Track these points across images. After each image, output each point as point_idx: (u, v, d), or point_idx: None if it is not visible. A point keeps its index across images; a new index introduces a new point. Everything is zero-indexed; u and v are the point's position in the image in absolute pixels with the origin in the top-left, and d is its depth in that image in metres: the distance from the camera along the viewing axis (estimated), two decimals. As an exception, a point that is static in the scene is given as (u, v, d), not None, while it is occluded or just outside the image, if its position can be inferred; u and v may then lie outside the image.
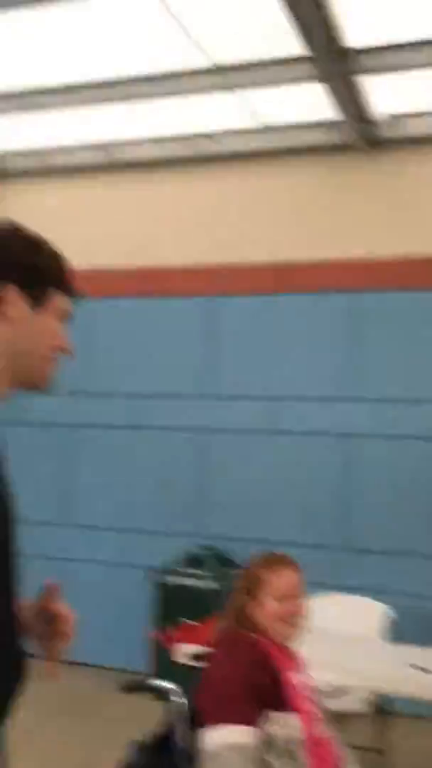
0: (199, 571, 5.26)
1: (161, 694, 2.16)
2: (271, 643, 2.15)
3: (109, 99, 4.98)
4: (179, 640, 3.36)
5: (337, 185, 5.60)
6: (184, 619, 4.83)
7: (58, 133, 5.77)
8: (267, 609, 2.17)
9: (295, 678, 2.11)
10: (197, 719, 2.02)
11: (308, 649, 2.84)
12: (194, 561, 5.38)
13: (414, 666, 3.05)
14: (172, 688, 2.15)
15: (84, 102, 5.05)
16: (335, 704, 3.30)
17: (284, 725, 1.98)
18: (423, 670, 3.01)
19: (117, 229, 6.20)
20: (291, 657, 2.20)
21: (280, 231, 5.74)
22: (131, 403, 6.05)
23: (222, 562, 5.35)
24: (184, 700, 2.11)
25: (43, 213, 6.31)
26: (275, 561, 2.28)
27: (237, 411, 5.75)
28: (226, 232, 5.88)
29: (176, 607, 5.02)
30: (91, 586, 5.78)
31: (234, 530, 5.59)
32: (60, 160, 6.19)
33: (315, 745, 2.01)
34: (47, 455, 6.23)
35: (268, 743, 1.95)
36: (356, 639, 3.82)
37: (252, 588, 2.21)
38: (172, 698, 2.13)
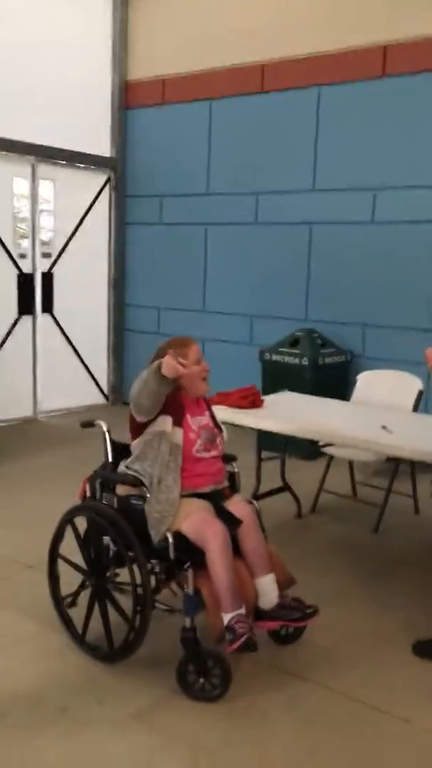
0: (295, 350, 5.77)
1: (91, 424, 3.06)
2: (184, 393, 2.92)
3: None
4: (213, 403, 4.08)
5: None
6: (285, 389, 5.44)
7: None
8: (191, 371, 2.86)
9: (194, 419, 2.91)
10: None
11: (298, 410, 4.10)
12: (294, 342, 5.90)
13: (384, 428, 3.66)
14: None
15: None
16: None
17: (174, 434, 2.83)
18: (386, 430, 3.64)
19: (232, 25, 6.39)
20: (199, 407, 2.98)
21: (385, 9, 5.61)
22: (250, 201, 6.52)
23: (315, 342, 5.82)
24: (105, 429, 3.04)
25: (166, 15, 6.77)
26: (186, 340, 3.01)
27: (337, 203, 6.00)
28: (331, 16, 5.87)
29: (277, 379, 5.64)
30: (218, 361, 6.60)
31: (332, 315, 6.04)
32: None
33: (193, 461, 2.85)
34: (184, 251, 7.02)
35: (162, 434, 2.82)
36: (360, 405, 4.50)
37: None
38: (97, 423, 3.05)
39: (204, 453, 2.91)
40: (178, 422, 2.87)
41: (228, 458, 3.13)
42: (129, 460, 2.91)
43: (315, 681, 2.85)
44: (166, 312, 7.23)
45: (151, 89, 7.05)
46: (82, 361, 7.34)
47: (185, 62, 6.76)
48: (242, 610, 2.67)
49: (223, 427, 3.11)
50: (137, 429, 2.91)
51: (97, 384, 7.48)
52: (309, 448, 4.92)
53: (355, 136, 5.90)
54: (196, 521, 2.73)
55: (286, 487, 4.61)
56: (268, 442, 4.67)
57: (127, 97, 7.21)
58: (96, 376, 7.46)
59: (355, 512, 4.69)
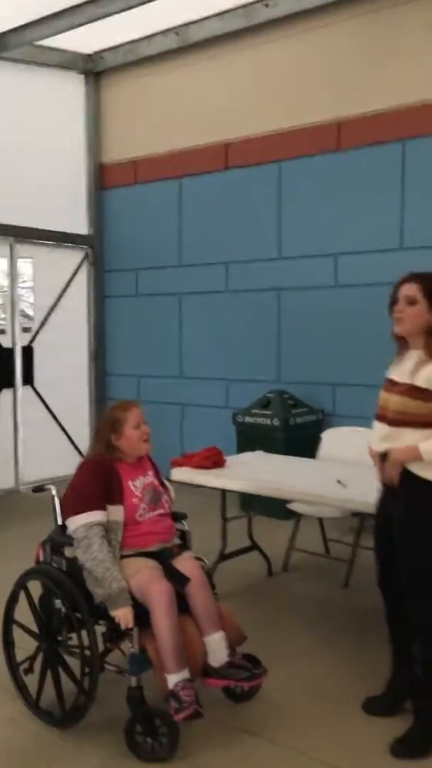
0: (267, 411, 5.91)
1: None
2: (120, 461, 3.01)
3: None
4: (178, 464, 4.22)
5: (388, 34, 5.70)
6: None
7: (138, 27, 6.49)
8: (129, 435, 3.02)
9: (134, 482, 3.00)
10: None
11: (259, 468, 4.25)
12: (265, 403, 6.04)
13: (339, 482, 3.77)
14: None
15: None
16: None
17: (112, 512, 2.90)
18: (341, 484, 3.74)
19: (196, 108, 6.80)
20: (141, 467, 3.08)
21: (339, 87, 5.99)
22: (220, 270, 6.77)
23: (286, 403, 5.96)
24: (54, 493, 3.09)
25: (134, 101, 7.22)
26: (127, 404, 3.12)
27: (302, 269, 6.24)
28: (288, 96, 6.25)
29: (251, 440, 5.75)
30: (195, 425, 6.91)
31: (303, 376, 6.22)
32: (142, 51, 6.92)
33: (134, 524, 2.93)
34: (160, 320, 7.25)
35: (106, 524, 2.88)
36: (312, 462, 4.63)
37: (114, 426, 3.03)
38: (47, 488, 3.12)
39: (148, 514, 2.99)
40: (118, 499, 2.94)
41: (178, 516, 3.21)
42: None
43: (267, 738, 2.86)
44: (146, 380, 7.40)
45: (123, 170, 7.41)
46: (65, 431, 7.46)
47: (154, 144, 7.13)
48: (186, 673, 2.70)
49: (168, 484, 3.21)
50: None
51: (80, 453, 7.58)
52: (281, 507, 4.99)
53: (315, 205, 6.18)
54: (141, 580, 2.80)
55: (254, 546, 4.65)
56: (245, 503, 4.76)
57: (102, 178, 7.58)
58: (79, 445, 7.57)
59: (327, 569, 4.71)
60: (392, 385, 2.83)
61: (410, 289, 2.77)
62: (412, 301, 2.76)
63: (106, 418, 3.10)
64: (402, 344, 2.89)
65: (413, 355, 2.81)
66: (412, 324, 2.77)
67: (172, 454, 4.69)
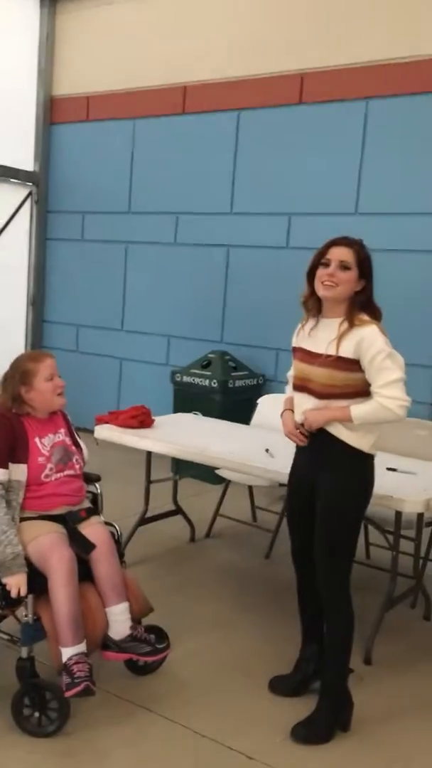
0: (206, 372, 5.72)
1: None
2: (28, 416, 2.79)
3: None
4: (103, 421, 4.00)
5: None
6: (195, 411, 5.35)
7: None
8: (41, 388, 2.78)
9: (43, 440, 2.78)
10: None
11: (187, 431, 3.98)
12: (206, 364, 5.84)
13: (267, 451, 3.62)
14: None
15: None
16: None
17: (14, 471, 2.69)
18: (269, 453, 3.59)
19: (157, 45, 6.40)
20: (52, 424, 2.86)
21: (305, 38, 5.68)
22: (170, 221, 6.46)
23: (227, 365, 5.78)
24: None
25: (92, 32, 6.76)
26: (38, 355, 2.91)
27: (254, 227, 5.98)
28: (253, 41, 5.91)
29: (188, 401, 5.57)
30: (133, 381, 6.68)
31: (247, 338, 6.01)
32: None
33: (37, 485, 2.73)
34: (104, 268, 6.89)
35: (7, 483, 2.69)
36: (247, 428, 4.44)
37: (25, 377, 2.79)
38: None
39: (55, 475, 2.78)
40: (22, 457, 2.72)
41: (91, 478, 3.02)
42: None
43: (163, 714, 2.73)
44: (85, 330, 7.11)
45: (75, 105, 6.98)
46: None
47: (110, 81, 6.73)
48: (82, 647, 2.53)
49: (83, 444, 2.99)
50: None
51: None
52: (212, 472, 4.84)
53: (272, 160, 5.92)
54: (40, 545, 2.61)
55: (178, 510, 4.50)
56: (176, 465, 4.60)
57: (52, 112, 7.14)
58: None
59: (251, 538, 4.60)
60: (310, 356, 2.65)
61: (345, 254, 2.59)
62: (346, 267, 2.58)
63: (15, 368, 2.84)
64: (311, 311, 2.70)
65: (331, 324, 2.62)
66: (344, 290, 2.59)
67: (107, 408, 4.47)
